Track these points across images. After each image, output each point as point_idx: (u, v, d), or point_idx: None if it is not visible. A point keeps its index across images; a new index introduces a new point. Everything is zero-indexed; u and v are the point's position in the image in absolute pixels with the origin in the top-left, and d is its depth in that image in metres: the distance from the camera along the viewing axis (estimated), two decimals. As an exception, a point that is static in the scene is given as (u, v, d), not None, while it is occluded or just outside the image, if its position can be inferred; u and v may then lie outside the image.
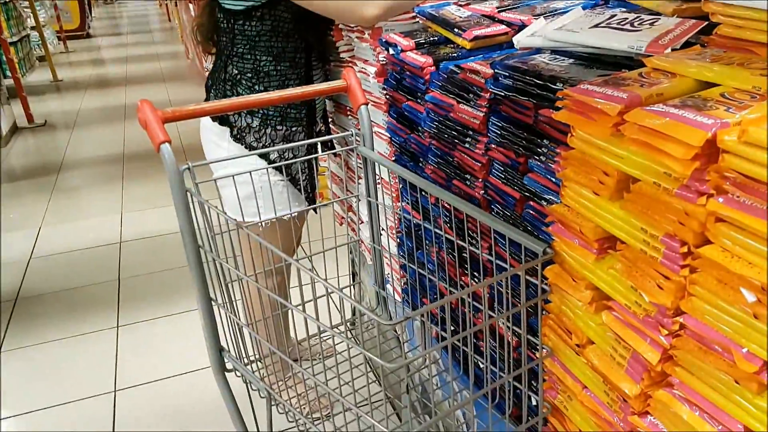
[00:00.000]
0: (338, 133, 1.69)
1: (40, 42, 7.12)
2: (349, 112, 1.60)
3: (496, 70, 0.87)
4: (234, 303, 1.08)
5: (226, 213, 1.01)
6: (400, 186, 1.29)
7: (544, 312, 0.82)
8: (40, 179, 4.04)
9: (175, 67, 7.25)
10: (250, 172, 1.20)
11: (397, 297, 1.42)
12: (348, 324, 1.41)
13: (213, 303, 1.08)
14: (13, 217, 3.45)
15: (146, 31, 11.16)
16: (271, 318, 1.14)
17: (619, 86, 0.63)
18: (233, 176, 1.13)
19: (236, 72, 1.45)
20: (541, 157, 0.81)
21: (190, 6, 5.75)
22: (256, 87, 1.45)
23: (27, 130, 5.20)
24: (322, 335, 1.21)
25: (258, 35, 1.40)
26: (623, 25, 0.76)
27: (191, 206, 1.00)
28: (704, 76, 0.61)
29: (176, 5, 7.64)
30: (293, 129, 1.51)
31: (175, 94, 6.01)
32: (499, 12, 1.10)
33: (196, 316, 2.34)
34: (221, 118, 1.48)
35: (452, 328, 1.10)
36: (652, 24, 0.74)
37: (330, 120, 1.74)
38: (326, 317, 1.04)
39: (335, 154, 1.64)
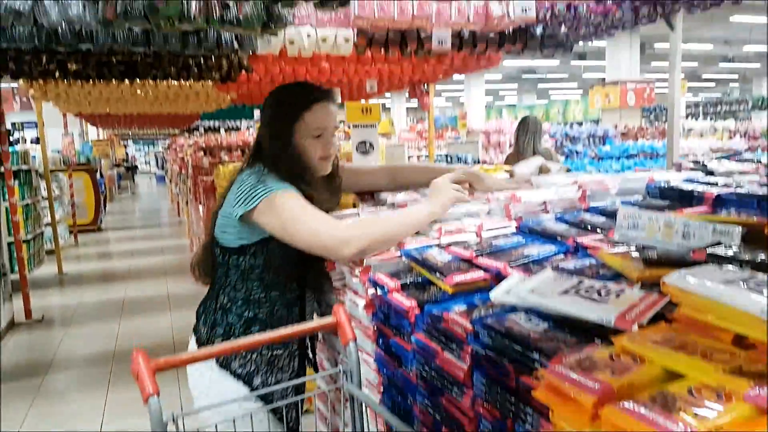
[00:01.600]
0: (324, 347, 1.69)
1: (52, 237, 7.43)
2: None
3: (475, 327, 0.90)
4: None
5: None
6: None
7: None
8: (26, 382, 3.91)
9: (179, 261, 7.49)
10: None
11: None
12: None
13: None
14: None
15: (155, 225, 11.76)
16: None
17: (591, 372, 0.64)
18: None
19: (227, 301, 1.50)
20: (527, 425, 0.80)
21: (200, 206, 6.15)
22: (246, 314, 1.49)
23: (23, 326, 5.18)
24: None
25: (251, 268, 1.48)
26: (591, 294, 0.81)
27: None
28: (671, 366, 0.63)
29: (187, 203, 8.18)
30: (276, 353, 1.50)
31: (174, 287, 6.13)
32: (476, 257, 1.17)
33: None
34: (205, 343, 1.49)
35: None
36: (618, 296, 0.79)
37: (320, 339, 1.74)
38: None
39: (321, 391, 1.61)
